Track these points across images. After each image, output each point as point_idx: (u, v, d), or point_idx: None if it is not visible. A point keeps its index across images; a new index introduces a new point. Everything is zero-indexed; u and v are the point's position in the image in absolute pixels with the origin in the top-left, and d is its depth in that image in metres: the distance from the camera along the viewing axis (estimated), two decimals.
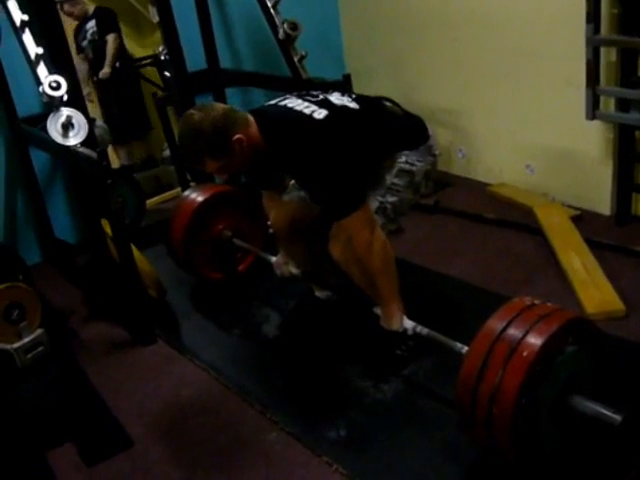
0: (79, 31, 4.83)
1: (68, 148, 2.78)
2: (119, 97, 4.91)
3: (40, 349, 2.91)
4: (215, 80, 4.15)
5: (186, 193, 3.39)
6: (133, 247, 2.96)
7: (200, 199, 3.22)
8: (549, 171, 3.87)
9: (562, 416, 1.86)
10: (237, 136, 2.25)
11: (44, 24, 3.38)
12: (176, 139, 2.41)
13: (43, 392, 2.79)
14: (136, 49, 5.10)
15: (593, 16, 3.12)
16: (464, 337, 2.12)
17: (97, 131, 3.56)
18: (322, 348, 2.76)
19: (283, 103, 2.41)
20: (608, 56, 3.27)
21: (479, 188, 4.15)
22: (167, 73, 4.22)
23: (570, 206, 3.66)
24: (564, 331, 1.82)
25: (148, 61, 4.95)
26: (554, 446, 1.89)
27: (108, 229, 2.97)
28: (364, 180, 2.38)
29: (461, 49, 4.08)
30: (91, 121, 3.10)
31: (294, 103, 2.37)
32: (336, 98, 2.42)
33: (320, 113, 2.29)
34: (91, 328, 3.20)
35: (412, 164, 2.51)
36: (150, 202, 4.53)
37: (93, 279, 3.49)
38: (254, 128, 2.31)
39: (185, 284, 3.41)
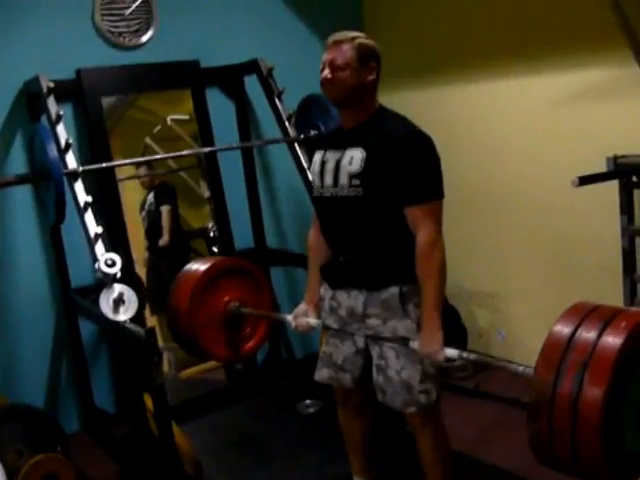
0: (143, 204, 5.10)
1: (118, 323, 2.87)
2: (170, 266, 5.07)
3: None
4: (261, 259, 4.19)
5: (187, 266, 3.10)
6: (172, 423, 2.97)
7: (202, 269, 2.96)
8: None
9: None
10: (375, 65, 2.35)
11: (106, 204, 3.63)
12: None
13: None
14: (184, 221, 5.33)
15: (627, 208, 3.25)
16: None
17: None
18: None
19: None
20: None
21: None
22: (215, 249, 4.39)
23: None
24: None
25: (196, 233, 5.16)
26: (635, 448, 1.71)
27: (149, 403, 3.00)
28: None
29: (500, 235, 4.20)
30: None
31: None
32: None
33: None
34: None
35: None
36: (186, 373, 4.36)
37: (130, 452, 3.47)
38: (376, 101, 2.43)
39: (222, 461, 3.37)
